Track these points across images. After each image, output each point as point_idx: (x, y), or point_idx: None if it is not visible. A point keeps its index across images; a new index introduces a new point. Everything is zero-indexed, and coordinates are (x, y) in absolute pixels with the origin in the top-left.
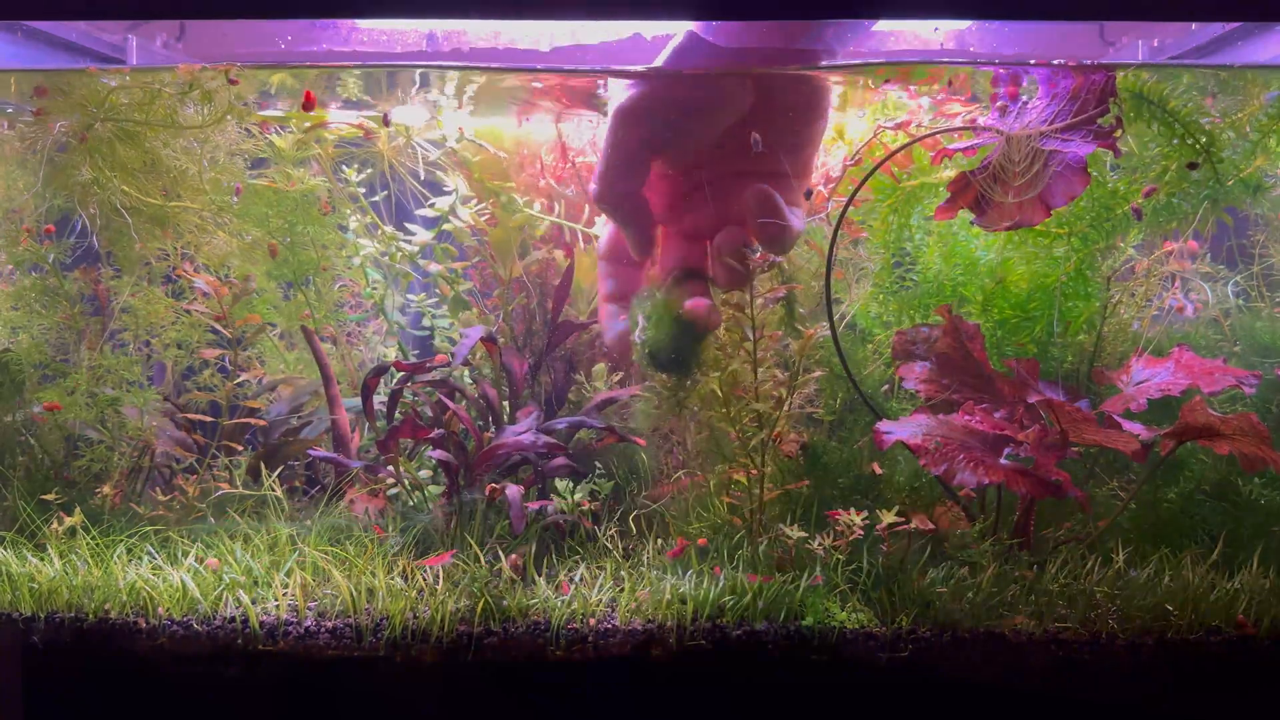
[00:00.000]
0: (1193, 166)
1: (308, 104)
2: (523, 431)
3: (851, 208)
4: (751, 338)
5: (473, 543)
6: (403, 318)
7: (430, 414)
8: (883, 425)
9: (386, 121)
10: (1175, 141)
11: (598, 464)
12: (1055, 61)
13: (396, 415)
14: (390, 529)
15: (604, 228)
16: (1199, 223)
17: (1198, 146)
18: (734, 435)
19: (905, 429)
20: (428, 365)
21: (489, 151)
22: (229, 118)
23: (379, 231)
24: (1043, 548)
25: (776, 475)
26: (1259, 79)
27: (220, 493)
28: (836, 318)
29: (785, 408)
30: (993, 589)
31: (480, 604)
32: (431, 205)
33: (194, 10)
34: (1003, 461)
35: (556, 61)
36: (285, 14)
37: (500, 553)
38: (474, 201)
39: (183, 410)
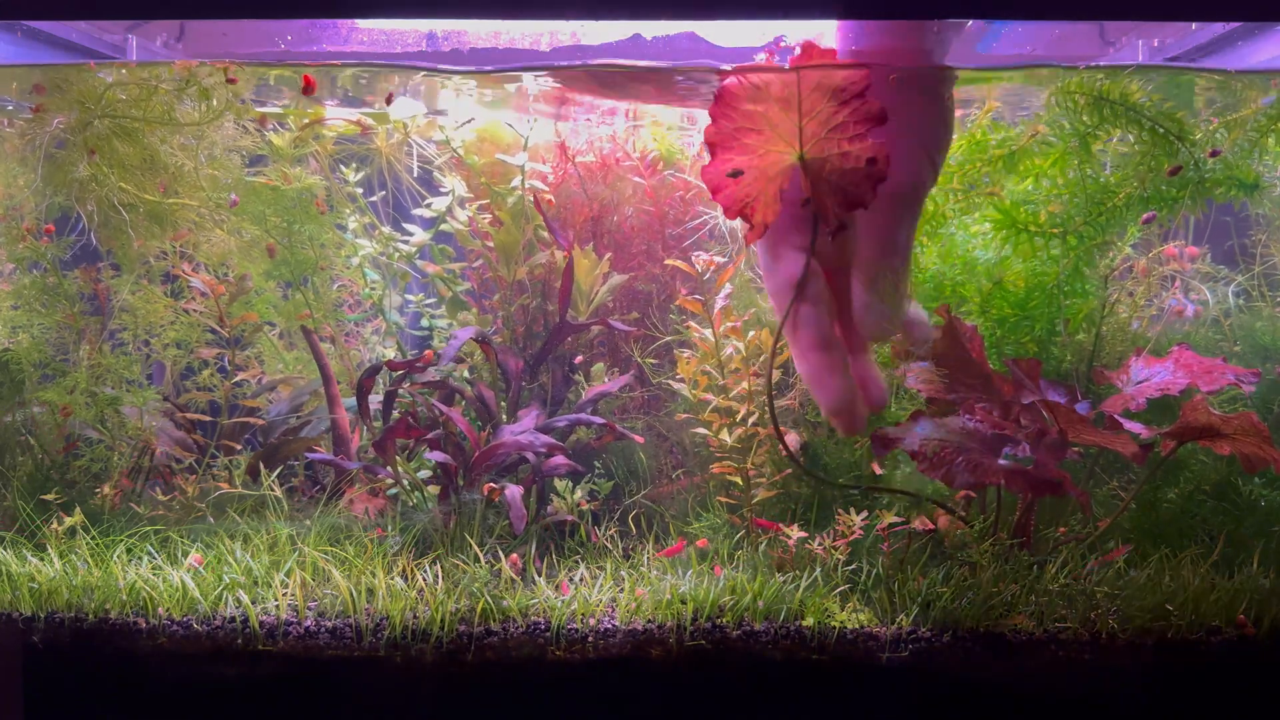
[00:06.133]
0: (1175, 172)
1: (307, 88)
2: (521, 431)
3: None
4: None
5: (472, 543)
6: (401, 318)
7: (427, 414)
8: (880, 432)
9: (390, 100)
10: (1144, 135)
11: (596, 463)
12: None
13: (393, 415)
14: (390, 529)
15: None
16: (1188, 206)
17: (1170, 136)
18: (713, 434)
19: (903, 435)
20: (419, 364)
21: (492, 151)
22: (226, 114)
23: (376, 231)
24: (1043, 548)
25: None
26: (1257, 82)
27: (220, 492)
28: None
29: (752, 404)
30: (993, 589)
31: (480, 604)
32: (428, 206)
33: (194, 10)
34: (1001, 462)
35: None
36: (285, 14)
37: (500, 553)
38: (474, 203)
39: (182, 410)
